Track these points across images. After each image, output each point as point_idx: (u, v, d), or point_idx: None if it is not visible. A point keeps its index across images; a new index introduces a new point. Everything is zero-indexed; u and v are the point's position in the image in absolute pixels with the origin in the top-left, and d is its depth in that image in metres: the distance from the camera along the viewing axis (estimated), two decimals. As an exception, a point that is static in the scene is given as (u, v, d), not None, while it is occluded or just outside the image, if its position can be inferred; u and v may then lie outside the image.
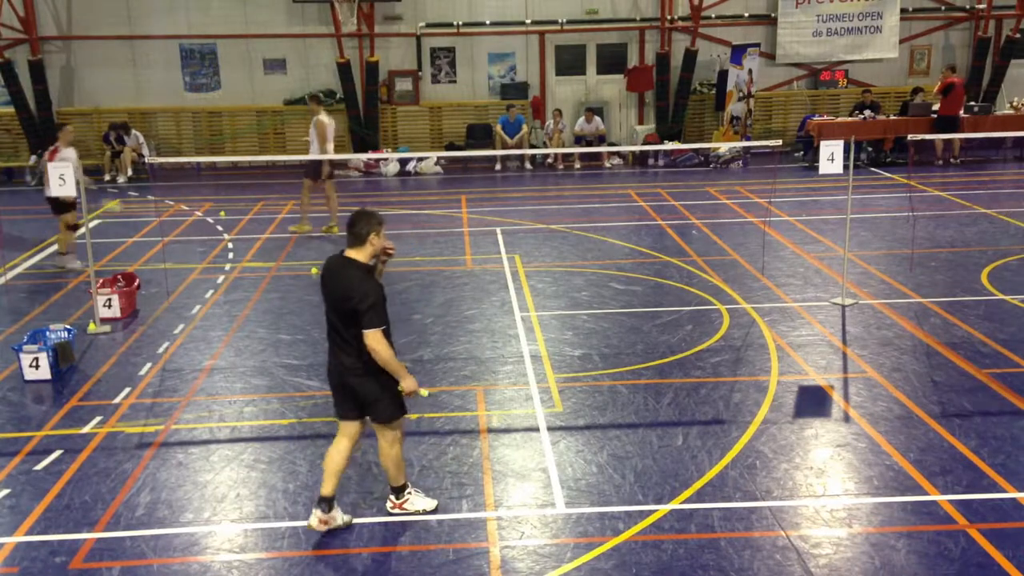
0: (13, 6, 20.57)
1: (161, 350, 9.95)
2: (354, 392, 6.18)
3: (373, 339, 5.92)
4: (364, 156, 20.85)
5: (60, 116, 21.69)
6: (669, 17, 21.89)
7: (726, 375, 8.94)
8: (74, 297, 11.86)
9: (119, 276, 11.36)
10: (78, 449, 7.66)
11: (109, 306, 10.88)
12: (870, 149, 20.50)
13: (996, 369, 8.92)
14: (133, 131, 20.92)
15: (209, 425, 8.14)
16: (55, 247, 13.59)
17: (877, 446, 7.42)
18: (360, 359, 6.04)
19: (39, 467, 7.37)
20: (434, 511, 6.51)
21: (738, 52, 21.21)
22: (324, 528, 6.24)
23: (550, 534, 6.29)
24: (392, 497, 6.51)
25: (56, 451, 7.62)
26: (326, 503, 6.25)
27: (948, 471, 6.99)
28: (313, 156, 14.69)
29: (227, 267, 13.19)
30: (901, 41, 22.71)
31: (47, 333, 9.50)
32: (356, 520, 6.45)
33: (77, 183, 10.67)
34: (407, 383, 6.13)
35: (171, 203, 17.86)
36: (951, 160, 20.55)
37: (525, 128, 21.30)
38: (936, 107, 20.26)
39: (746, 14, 22.45)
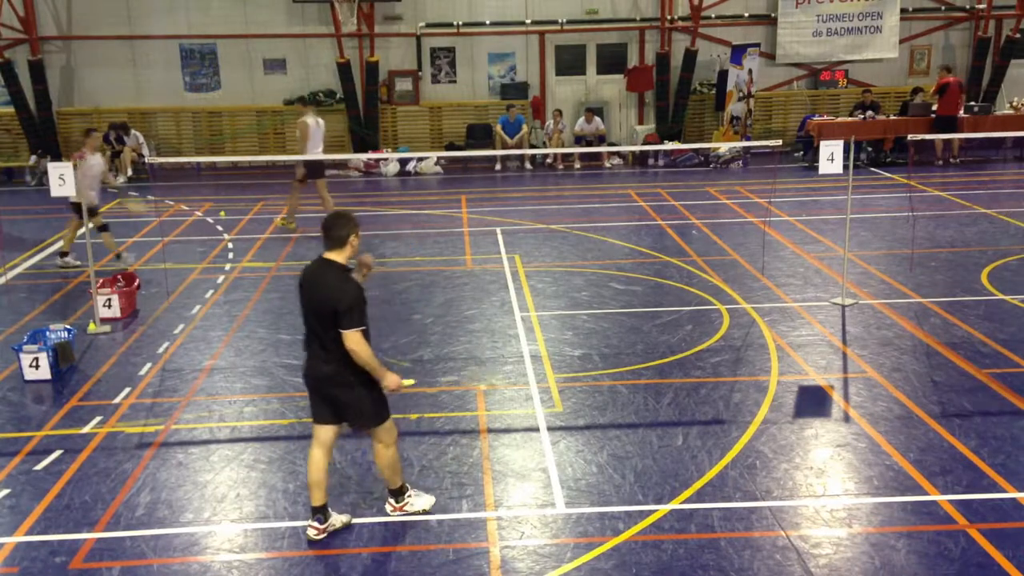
0: (13, 6, 20.57)
1: (161, 350, 9.95)
2: (334, 400, 6.13)
3: (352, 340, 5.85)
4: (364, 156, 20.85)
5: (60, 116, 21.73)
6: (669, 17, 21.89)
7: (726, 375, 8.94)
8: (74, 297, 11.86)
9: (119, 276, 11.37)
10: (78, 449, 7.66)
11: (109, 306, 10.88)
12: (870, 149, 20.50)
13: (996, 369, 8.92)
14: (133, 131, 20.92)
15: (209, 425, 8.14)
16: (58, 247, 13.59)
17: (877, 446, 7.42)
18: (341, 366, 5.95)
19: (39, 467, 7.37)
20: (432, 508, 6.52)
21: (738, 52, 21.21)
22: (324, 536, 6.25)
23: (550, 534, 6.29)
24: (392, 500, 6.49)
25: (56, 451, 7.62)
26: (320, 513, 6.26)
27: (948, 471, 6.99)
28: (295, 157, 14.82)
29: (227, 267, 13.19)
30: (901, 41, 22.71)
31: (47, 333, 9.50)
32: (356, 520, 6.45)
33: (104, 186, 11.99)
34: (389, 380, 6.06)
35: (171, 203, 17.86)
36: (950, 160, 20.55)
37: (525, 128, 21.30)
38: (935, 107, 20.27)
39: (746, 14, 22.45)
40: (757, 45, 21.74)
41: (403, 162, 21.08)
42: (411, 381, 6.26)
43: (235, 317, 11.00)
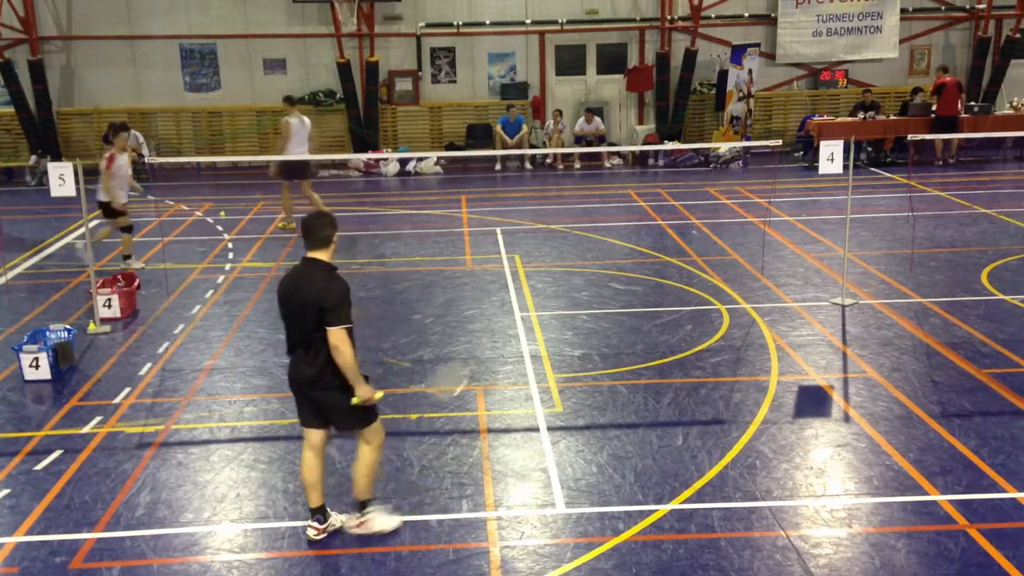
0: (13, 6, 20.57)
1: (161, 350, 9.95)
2: (318, 404, 6.05)
3: (338, 337, 5.77)
4: (364, 156, 20.85)
5: (60, 116, 21.72)
6: (669, 17, 21.89)
7: (726, 375, 8.94)
8: (74, 297, 11.86)
9: (119, 276, 11.37)
10: (78, 449, 7.66)
11: (109, 306, 10.88)
12: (870, 149, 20.50)
13: (996, 369, 8.92)
14: (133, 131, 20.87)
15: (209, 425, 8.14)
16: (58, 247, 13.60)
17: (877, 446, 7.42)
18: (324, 369, 5.86)
19: (39, 467, 7.37)
20: (397, 530, 6.25)
21: (738, 52, 21.21)
22: (324, 536, 6.25)
23: (550, 534, 6.29)
24: (356, 515, 6.24)
25: (56, 451, 7.62)
26: (319, 513, 6.25)
27: (948, 471, 6.99)
28: (280, 157, 14.92)
29: (227, 267, 13.19)
30: (901, 41, 22.71)
31: (47, 333, 9.50)
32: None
33: (132, 189, 12.60)
34: (362, 390, 5.93)
35: (171, 203, 17.85)
36: (949, 160, 20.54)
37: (525, 128, 21.30)
38: (934, 108, 20.28)
39: (746, 14, 22.45)
40: (757, 45, 21.74)
41: (403, 162, 21.08)
42: (380, 395, 6.12)
43: (235, 317, 11.00)
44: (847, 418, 7.97)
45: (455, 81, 22.45)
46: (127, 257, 13.17)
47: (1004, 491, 6.69)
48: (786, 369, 9.05)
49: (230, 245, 14.42)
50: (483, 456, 7.38)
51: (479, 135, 22.02)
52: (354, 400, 5.94)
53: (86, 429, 8.03)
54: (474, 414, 8.22)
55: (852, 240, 12.47)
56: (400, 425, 8.00)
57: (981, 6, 22.52)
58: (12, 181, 21.07)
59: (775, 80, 22.91)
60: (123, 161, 12.77)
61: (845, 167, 10.77)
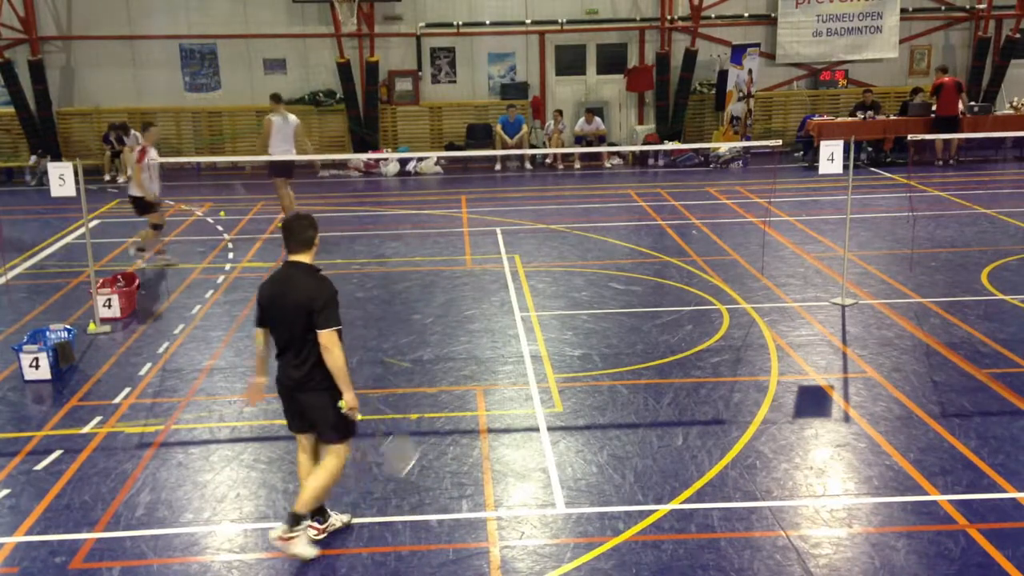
0: (13, 6, 20.57)
1: (161, 350, 9.95)
2: (302, 406, 5.99)
3: (330, 339, 5.75)
4: (364, 156, 20.85)
5: (60, 116, 21.71)
6: (669, 17, 21.89)
7: (726, 375, 8.94)
8: (74, 297, 11.86)
9: (119, 276, 11.36)
10: (78, 449, 7.66)
11: (109, 306, 10.88)
12: (870, 149, 20.50)
13: (996, 369, 8.92)
14: (132, 131, 20.89)
15: (209, 425, 8.14)
16: (57, 247, 13.60)
17: (877, 446, 7.42)
18: (313, 371, 5.82)
19: (39, 467, 7.37)
20: (315, 559, 6.00)
21: (738, 52, 21.21)
22: (324, 536, 6.25)
23: (550, 534, 6.29)
24: (284, 526, 5.97)
25: (56, 451, 7.62)
26: (319, 514, 6.25)
27: (948, 471, 6.99)
28: (268, 156, 15.01)
29: (227, 267, 13.20)
30: (901, 41, 22.71)
31: (47, 333, 9.50)
32: (356, 520, 6.45)
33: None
34: (350, 396, 5.90)
35: (171, 203, 17.84)
36: (949, 160, 20.53)
37: (525, 128, 21.30)
38: (934, 108, 20.29)
39: (746, 14, 22.45)
40: (757, 45, 21.74)
41: (403, 162, 21.07)
42: (359, 417, 6.11)
43: (235, 317, 11.00)
44: (847, 418, 7.97)
45: (455, 81, 22.45)
46: (140, 249, 13.14)
47: (1004, 491, 6.69)
48: (786, 369, 9.05)
49: (230, 245, 14.42)
50: (483, 456, 7.38)
51: (479, 135, 22.02)
52: (341, 405, 5.93)
53: (86, 429, 8.03)
54: (474, 414, 8.22)
55: (852, 240, 12.47)
56: (400, 425, 8.00)
57: (981, 6, 22.51)
58: (12, 181, 21.07)
59: (775, 80, 22.91)
60: (153, 155, 12.78)
61: (845, 167, 10.77)
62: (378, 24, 21.69)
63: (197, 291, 12.08)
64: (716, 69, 22.16)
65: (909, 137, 12.81)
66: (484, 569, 5.90)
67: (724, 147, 20.64)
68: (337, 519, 6.34)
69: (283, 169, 15.12)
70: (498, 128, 21.39)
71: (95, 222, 15.91)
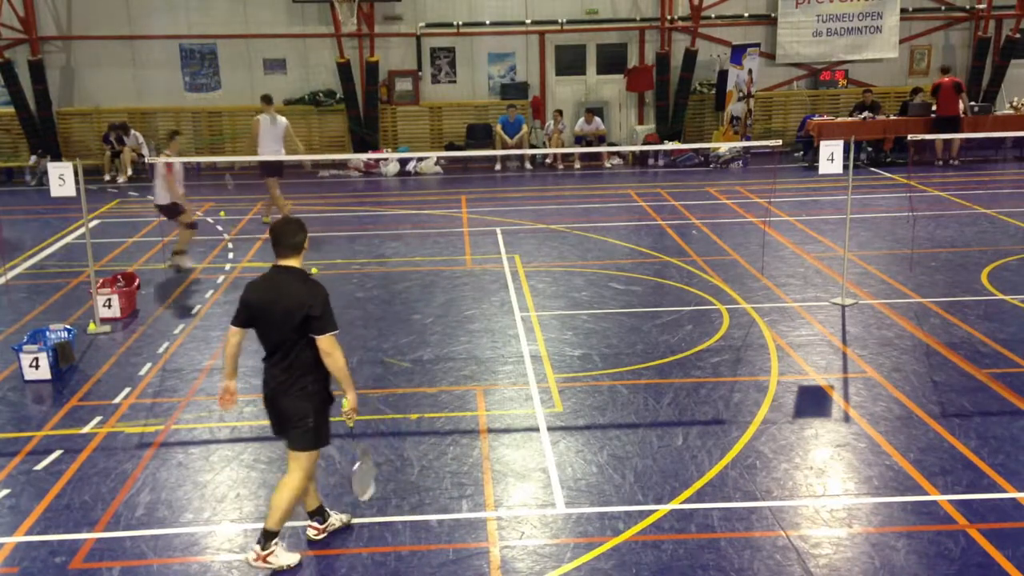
0: (13, 6, 20.56)
1: (161, 350, 9.95)
2: (281, 411, 5.87)
3: (330, 343, 5.72)
4: (364, 156, 20.85)
5: (60, 116, 21.71)
6: (669, 17, 21.88)
7: (726, 375, 8.94)
8: (74, 297, 11.86)
9: (119, 276, 11.36)
10: (78, 449, 7.66)
11: (109, 306, 10.88)
12: (870, 149, 20.50)
13: (996, 369, 8.92)
14: (132, 131, 20.91)
15: (209, 425, 8.15)
16: (57, 248, 13.59)
17: (877, 446, 7.42)
18: (298, 375, 5.76)
19: (39, 467, 7.37)
20: (298, 565, 5.97)
21: (738, 52, 21.21)
22: (324, 535, 6.25)
23: (550, 534, 6.29)
24: (257, 547, 5.88)
25: (56, 451, 7.63)
26: (318, 515, 6.25)
27: (948, 471, 6.99)
28: (261, 156, 15.16)
29: (227, 267, 13.20)
30: (901, 41, 22.71)
31: (47, 333, 9.50)
32: (356, 520, 6.45)
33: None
34: (353, 396, 5.90)
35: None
36: (950, 161, 20.53)
37: (525, 128, 21.29)
38: (934, 108, 20.30)
39: (746, 14, 22.45)
40: (757, 45, 21.74)
41: (403, 162, 21.07)
42: (351, 424, 6.09)
43: (235, 317, 10.98)
44: (847, 418, 7.97)
45: (455, 81, 22.44)
46: (182, 252, 13.15)
47: (1004, 491, 6.69)
48: (786, 369, 9.05)
49: (230, 245, 14.42)
50: (483, 456, 7.38)
51: (479, 135, 22.01)
52: (344, 404, 5.93)
53: (86, 429, 8.03)
54: (474, 414, 8.22)
55: (852, 240, 12.47)
56: (400, 425, 8.00)
57: (981, 6, 22.51)
58: (12, 181, 21.06)
59: (775, 80, 22.91)
60: (178, 163, 13.00)
61: (845, 167, 10.77)
62: (378, 24, 21.69)
63: (197, 291, 12.08)
64: (716, 69, 22.15)
65: (909, 137, 12.81)
66: (484, 569, 5.90)
67: (724, 147, 20.64)
68: (337, 519, 6.34)
69: (273, 169, 15.29)
70: (498, 128, 21.39)
71: (95, 222, 15.91)
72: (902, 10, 22.46)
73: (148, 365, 9.53)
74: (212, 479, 7.15)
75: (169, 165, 12.59)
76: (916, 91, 21.40)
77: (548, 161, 21.77)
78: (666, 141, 21.20)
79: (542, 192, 19.01)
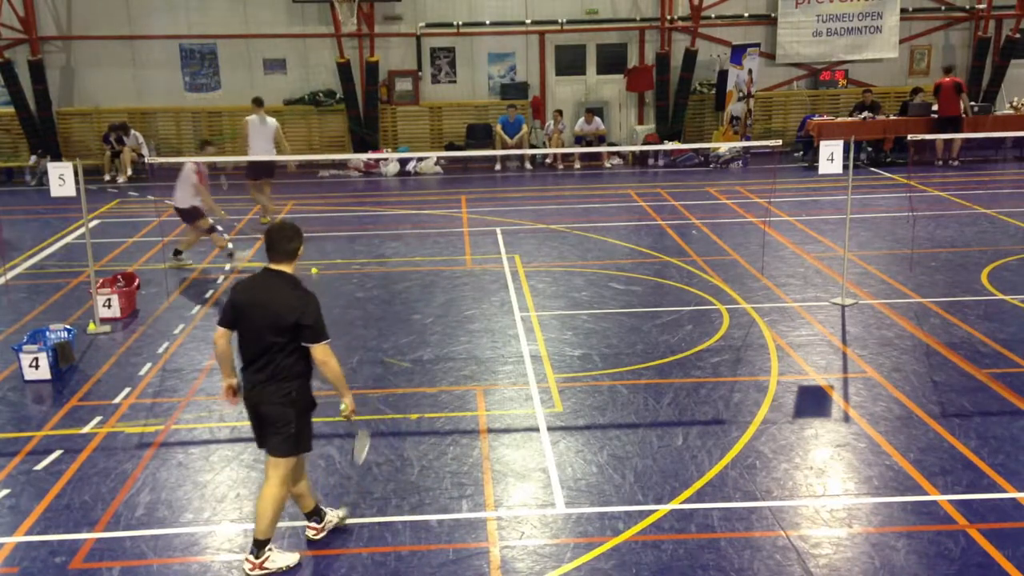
0: (13, 6, 20.56)
1: (161, 350, 9.95)
2: (262, 417, 5.82)
3: (324, 352, 5.69)
4: (364, 156, 20.85)
5: (60, 116, 21.71)
6: (669, 17, 21.88)
7: (726, 375, 8.94)
8: (74, 297, 11.86)
9: (119, 276, 11.36)
10: (78, 449, 7.66)
11: (109, 306, 10.88)
12: (870, 149, 20.50)
13: (996, 369, 8.92)
14: (132, 131, 20.91)
15: (209, 425, 8.15)
16: (57, 247, 13.60)
17: (877, 446, 7.42)
18: (282, 381, 5.71)
19: (39, 467, 7.37)
20: (297, 564, 5.97)
21: (738, 52, 21.21)
22: (323, 534, 6.25)
23: (550, 534, 6.29)
24: (251, 556, 5.86)
25: (56, 451, 7.62)
26: (315, 515, 6.24)
27: (948, 471, 6.99)
28: (256, 157, 15.30)
29: (227, 267, 13.20)
30: (901, 41, 22.70)
31: (47, 333, 9.50)
32: (356, 520, 6.45)
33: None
34: (349, 401, 5.92)
35: (171, 203, 17.82)
36: (949, 161, 20.52)
37: (525, 128, 21.29)
38: (935, 108, 20.30)
39: (746, 14, 22.45)
40: (757, 45, 21.74)
41: (403, 162, 21.07)
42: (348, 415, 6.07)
43: (235, 317, 10.99)
44: (847, 418, 7.97)
45: (455, 81, 22.44)
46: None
47: (1004, 491, 6.69)
48: (786, 369, 9.05)
49: (230, 245, 14.42)
50: (483, 456, 7.38)
51: (479, 135, 22.01)
52: (342, 409, 5.95)
53: (86, 429, 8.03)
54: (474, 414, 8.22)
55: (852, 240, 12.47)
56: (400, 425, 8.00)
57: (981, 6, 22.51)
58: (12, 181, 21.06)
59: (775, 80, 22.91)
60: (204, 170, 13.21)
61: (845, 167, 10.77)
62: (378, 24, 21.69)
63: (197, 291, 12.08)
64: (716, 69, 22.15)
65: (909, 137, 12.81)
66: (484, 569, 5.90)
67: (724, 147, 20.64)
68: (334, 515, 6.33)
69: (265, 170, 15.48)
70: (498, 128, 21.39)
71: (95, 222, 15.91)
72: (902, 10, 22.46)
73: (148, 365, 9.53)
74: (212, 479, 7.15)
75: (201, 173, 12.80)
76: (916, 91, 21.39)
77: (548, 161, 21.77)
78: (666, 141, 21.20)
79: (542, 192, 19.01)
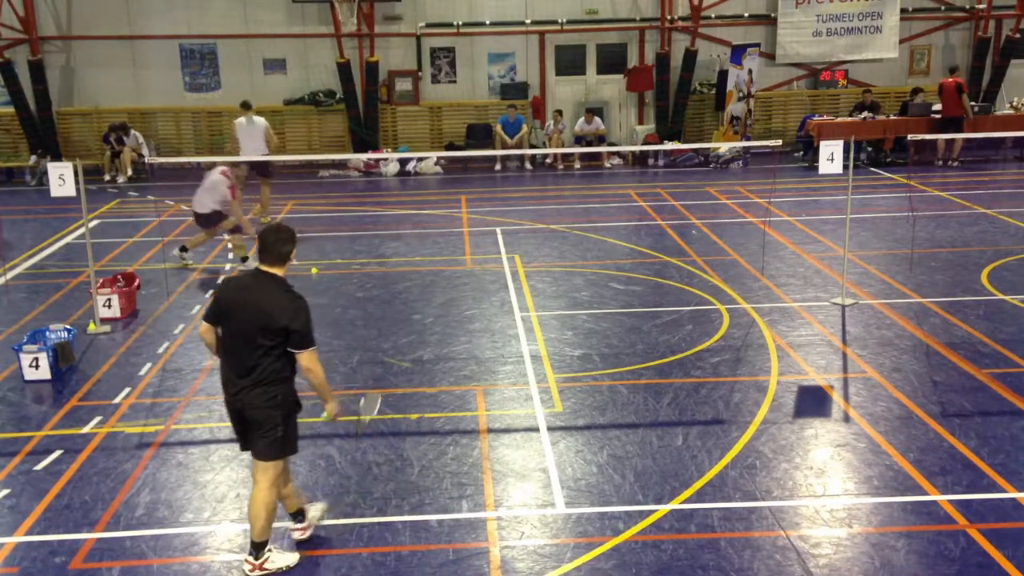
0: (13, 6, 20.56)
1: (161, 350, 9.95)
2: (246, 420, 5.78)
3: (310, 359, 5.67)
4: (364, 156, 20.85)
5: (60, 116, 21.71)
6: (669, 17, 21.88)
7: (726, 375, 8.94)
8: (74, 297, 11.86)
9: (119, 276, 11.36)
10: (78, 449, 7.66)
11: (109, 306, 10.88)
12: (870, 149, 20.50)
13: (996, 369, 8.92)
14: (132, 131, 20.91)
15: (209, 425, 8.15)
16: (58, 247, 13.59)
17: (877, 446, 7.42)
18: (267, 384, 5.67)
19: (39, 467, 7.37)
20: (297, 564, 5.98)
21: (738, 52, 21.21)
22: (309, 533, 6.23)
23: (550, 534, 6.29)
24: (250, 558, 5.86)
25: (56, 451, 7.62)
26: (300, 515, 6.23)
27: (948, 471, 6.99)
28: (249, 157, 15.26)
29: (227, 267, 13.20)
30: (901, 41, 22.70)
31: (47, 333, 9.50)
32: (356, 520, 6.45)
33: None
34: (333, 405, 5.93)
35: (171, 203, 17.84)
36: (949, 161, 20.51)
37: (525, 128, 21.29)
38: (936, 108, 20.31)
39: (746, 14, 22.45)
40: (757, 45, 21.74)
41: (403, 162, 21.07)
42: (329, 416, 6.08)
43: (235, 317, 10.99)
44: (847, 418, 7.97)
45: (455, 81, 22.44)
46: (184, 252, 13.31)
47: (1004, 491, 6.69)
48: (786, 369, 9.05)
49: (230, 245, 14.41)
50: (483, 456, 7.38)
51: (479, 135, 22.01)
52: (324, 415, 5.96)
53: (86, 429, 8.03)
54: (474, 414, 8.22)
55: (852, 240, 12.47)
56: (400, 425, 8.00)
57: (981, 6, 22.51)
58: (12, 181, 21.06)
59: (775, 80, 22.91)
60: (238, 182, 13.36)
61: (845, 167, 10.77)
62: (378, 24, 21.69)
63: (197, 291, 12.08)
64: (716, 69, 22.15)
65: (909, 137, 12.81)
66: (484, 569, 5.90)
67: (724, 147, 20.64)
68: (315, 511, 6.30)
69: (261, 169, 15.55)
70: (498, 128, 21.39)
71: (95, 222, 15.91)
72: (902, 10, 22.46)
73: (148, 365, 9.53)
74: (212, 479, 7.15)
75: (234, 187, 12.92)
76: (916, 91, 21.39)
77: (548, 161, 21.77)
78: (666, 141, 21.20)
79: (542, 192, 19.01)
